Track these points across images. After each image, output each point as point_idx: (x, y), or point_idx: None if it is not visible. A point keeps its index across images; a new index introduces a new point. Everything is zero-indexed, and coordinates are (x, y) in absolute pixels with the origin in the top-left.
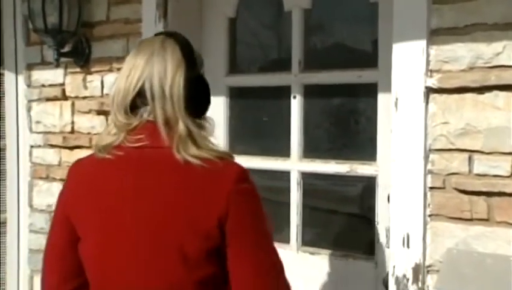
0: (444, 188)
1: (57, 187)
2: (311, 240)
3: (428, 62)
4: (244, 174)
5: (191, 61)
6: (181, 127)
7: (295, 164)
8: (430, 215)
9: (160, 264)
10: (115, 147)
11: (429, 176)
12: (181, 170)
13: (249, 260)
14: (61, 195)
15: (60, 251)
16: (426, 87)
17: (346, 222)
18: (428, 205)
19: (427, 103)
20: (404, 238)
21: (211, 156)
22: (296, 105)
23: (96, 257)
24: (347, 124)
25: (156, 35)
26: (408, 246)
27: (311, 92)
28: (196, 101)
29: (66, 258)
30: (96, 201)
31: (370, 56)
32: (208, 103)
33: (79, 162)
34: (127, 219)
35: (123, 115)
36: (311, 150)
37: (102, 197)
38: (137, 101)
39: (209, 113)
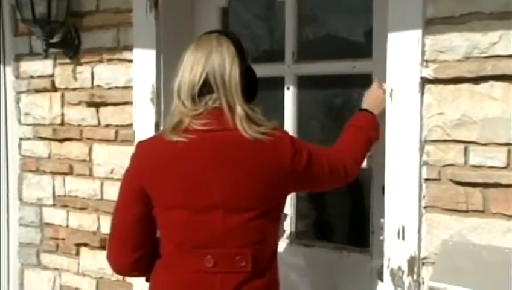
0: (439, 179)
1: (47, 180)
2: (305, 232)
3: (423, 52)
4: (290, 135)
5: (242, 55)
6: (240, 111)
7: None
8: (425, 207)
9: (244, 225)
10: (184, 131)
11: (424, 168)
12: (252, 145)
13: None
14: (133, 172)
15: (131, 225)
16: (422, 78)
17: (341, 214)
18: (424, 196)
19: (422, 93)
20: (399, 230)
21: (268, 129)
22: (289, 96)
23: (186, 222)
24: (341, 115)
25: (207, 33)
26: (403, 238)
27: (304, 83)
28: (248, 88)
29: (136, 231)
30: (181, 176)
31: (364, 46)
32: (256, 89)
33: (147, 142)
34: (215, 189)
35: (190, 102)
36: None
37: (188, 173)
38: (203, 90)
39: None
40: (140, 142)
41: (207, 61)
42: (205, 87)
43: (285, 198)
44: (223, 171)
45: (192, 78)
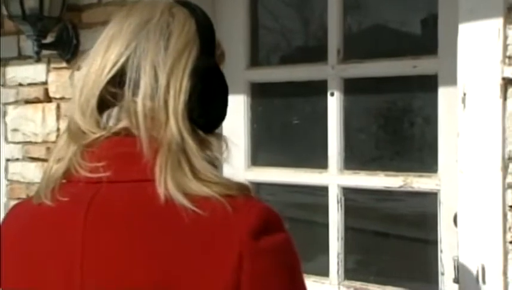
0: None
1: None
2: (356, 271)
3: (506, 46)
4: (271, 219)
5: (209, 45)
6: (173, 130)
7: (334, 177)
8: None
9: None
10: (62, 182)
11: (509, 192)
12: (162, 222)
13: None
14: None
15: None
16: (503, 79)
17: (401, 250)
18: (509, 228)
19: (504, 98)
20: (478, 271)
21: (215, 192)
22: (334, 104)
23: None
24: (399, 126)
25: None
26: (484, 282)
27: (353, 88)
28: (204, 103)
29: None
30: (28, 272)
31: (427, 41)
32: (222, 111)
33: (18, 206)
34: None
35: (89, 115)
36: (354, 160)
37: (38, 267)
38: (106, 93)
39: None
40: (15, 204)
41: (134, 37)
42: (113, 87)
43: None
44: (92, 274)
45: (101, 67)
